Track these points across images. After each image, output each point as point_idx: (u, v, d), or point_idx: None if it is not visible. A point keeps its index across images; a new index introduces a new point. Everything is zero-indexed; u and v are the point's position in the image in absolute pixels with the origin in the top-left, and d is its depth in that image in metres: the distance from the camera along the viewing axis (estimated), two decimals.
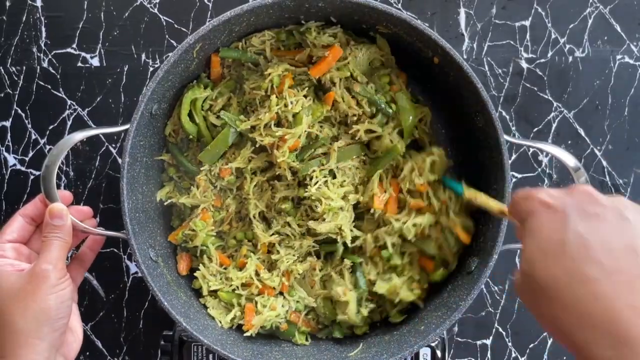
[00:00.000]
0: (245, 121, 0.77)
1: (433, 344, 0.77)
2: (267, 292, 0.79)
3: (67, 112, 0.88)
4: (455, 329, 0.88)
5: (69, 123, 0.88)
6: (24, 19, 0.88)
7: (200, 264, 0.80)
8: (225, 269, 0.80)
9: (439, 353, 0.77)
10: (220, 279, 0.80)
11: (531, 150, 0.88)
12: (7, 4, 0.88)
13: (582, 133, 0.88)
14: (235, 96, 0.80)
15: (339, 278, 0.79)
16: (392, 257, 0.78)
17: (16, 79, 0.88)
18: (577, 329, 0.42)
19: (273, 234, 0.80)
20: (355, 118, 0.78)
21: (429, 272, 0.79)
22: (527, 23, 0.88)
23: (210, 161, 0.78)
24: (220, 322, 0.78)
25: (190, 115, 0.79)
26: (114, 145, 0.88)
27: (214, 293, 0.80)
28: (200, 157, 0.78)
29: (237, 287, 0.79)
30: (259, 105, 0.78)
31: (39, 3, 0.88)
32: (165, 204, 0.81)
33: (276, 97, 0.76)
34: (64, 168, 0.88)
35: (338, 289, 0.78)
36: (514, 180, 0.88)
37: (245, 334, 0.78)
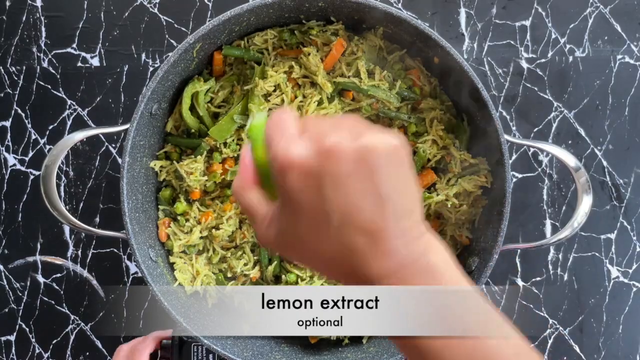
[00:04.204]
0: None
1: None
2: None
3: (67, 112, 0.88)
4: None
5: (69, 123, 0.88)
6: (24, 18, 0.88)
7: (172, 222, 0.79)
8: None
9: None
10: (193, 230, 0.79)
11: (531, 150, 0.88)
12: (7, 3, 0.88)
13: (583, 133, 0.88)
14: (239, 86, 0.79)
15: None
16: None
17: (16, 78, 0.88)
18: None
19: None
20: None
21: None
22: (527, 23, 0.88)
23: (220, 137, 0.77)
24: (184, 287, 0.77)
25: (191, 110, 0.78)
26: (114, 145, 0.88)
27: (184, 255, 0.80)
28: (211, 132, 0.77)
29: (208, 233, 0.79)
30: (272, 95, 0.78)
31: (39, 3, 0.88)
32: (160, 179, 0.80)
33: (292, 87, 0.76)
34: (64, 168, 0.88)
35: None
36: (514, 180, 0.87)
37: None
